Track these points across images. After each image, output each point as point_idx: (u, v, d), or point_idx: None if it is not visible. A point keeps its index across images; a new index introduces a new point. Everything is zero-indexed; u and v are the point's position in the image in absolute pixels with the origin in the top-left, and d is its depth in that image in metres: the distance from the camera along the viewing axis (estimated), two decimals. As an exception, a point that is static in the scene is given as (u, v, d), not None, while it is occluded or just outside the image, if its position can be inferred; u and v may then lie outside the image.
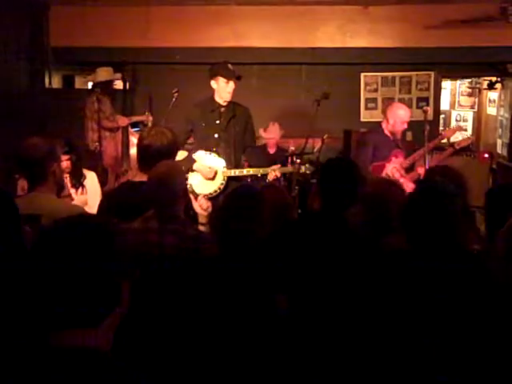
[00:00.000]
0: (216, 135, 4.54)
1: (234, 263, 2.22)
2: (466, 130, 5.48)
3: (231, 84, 4.49)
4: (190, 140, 4.68)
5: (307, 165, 4.84)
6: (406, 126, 5.01)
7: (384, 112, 5.29)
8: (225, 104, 4.55)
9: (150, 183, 2.82)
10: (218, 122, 4.55)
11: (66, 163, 4.14)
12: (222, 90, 4.51)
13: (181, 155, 4.38)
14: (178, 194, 2.72)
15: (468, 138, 5.54)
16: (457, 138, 5.61)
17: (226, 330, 2.09)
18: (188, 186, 4.12)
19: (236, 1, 6.50)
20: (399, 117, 4.97)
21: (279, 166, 4.61)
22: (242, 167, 4.67)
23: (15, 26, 6.02)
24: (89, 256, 1.25)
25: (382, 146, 5.02)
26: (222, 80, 4.49)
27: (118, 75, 6.51)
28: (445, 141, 5.47)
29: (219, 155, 4.53)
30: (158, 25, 6.53)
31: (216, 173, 4.49)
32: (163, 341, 2.11)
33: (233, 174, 4.50)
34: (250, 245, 2.28)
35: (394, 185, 3.11)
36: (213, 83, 4.54)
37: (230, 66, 4.56)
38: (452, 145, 5.09)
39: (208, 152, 4.52)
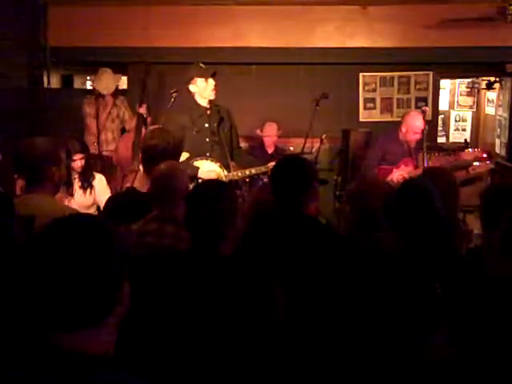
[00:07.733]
0: (207, 139, 4.46)
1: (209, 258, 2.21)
2: (486, 160, 5.09)
3: (211, 81, 4.41)
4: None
5: None
6: (418, 136, 5.00)
7: (402, 119, 5.30)
8: (209, 106, 4.48)
9: (151, 182, 2.81)
10: (206, 125, 4.47)
11: (80, 162, 4.21)
12: (204, 90, 4.44)
13: (183, 156, 4.34)
14: (178, 193, 2.70)
15: (487, 165, 5.14)
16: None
17: (224, 321, 2.10)
18: None
19: (235, 1, 6.51)
20: (411, 126, 5.00)
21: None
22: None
23: (14, 26, 6.02)
24: (86, 255, 1.23)
25: (393, 151, 5.04)
26: (200, 81, 4.42)
27: (119, 76, 6.53)
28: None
29: (215, 161, 4.42)
30: (157, 24, 6.53)
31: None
32: (162, 340, 2.11)
33: (236, 177, 4.40)
34: (219, 237, 2.25)
35: (379, 183, 3.15)
36: (192, 87, 4.46)
37: (201, 64, 4.49)
38: (467, 169, 4.90)
39: (204, 159, 4.42)
